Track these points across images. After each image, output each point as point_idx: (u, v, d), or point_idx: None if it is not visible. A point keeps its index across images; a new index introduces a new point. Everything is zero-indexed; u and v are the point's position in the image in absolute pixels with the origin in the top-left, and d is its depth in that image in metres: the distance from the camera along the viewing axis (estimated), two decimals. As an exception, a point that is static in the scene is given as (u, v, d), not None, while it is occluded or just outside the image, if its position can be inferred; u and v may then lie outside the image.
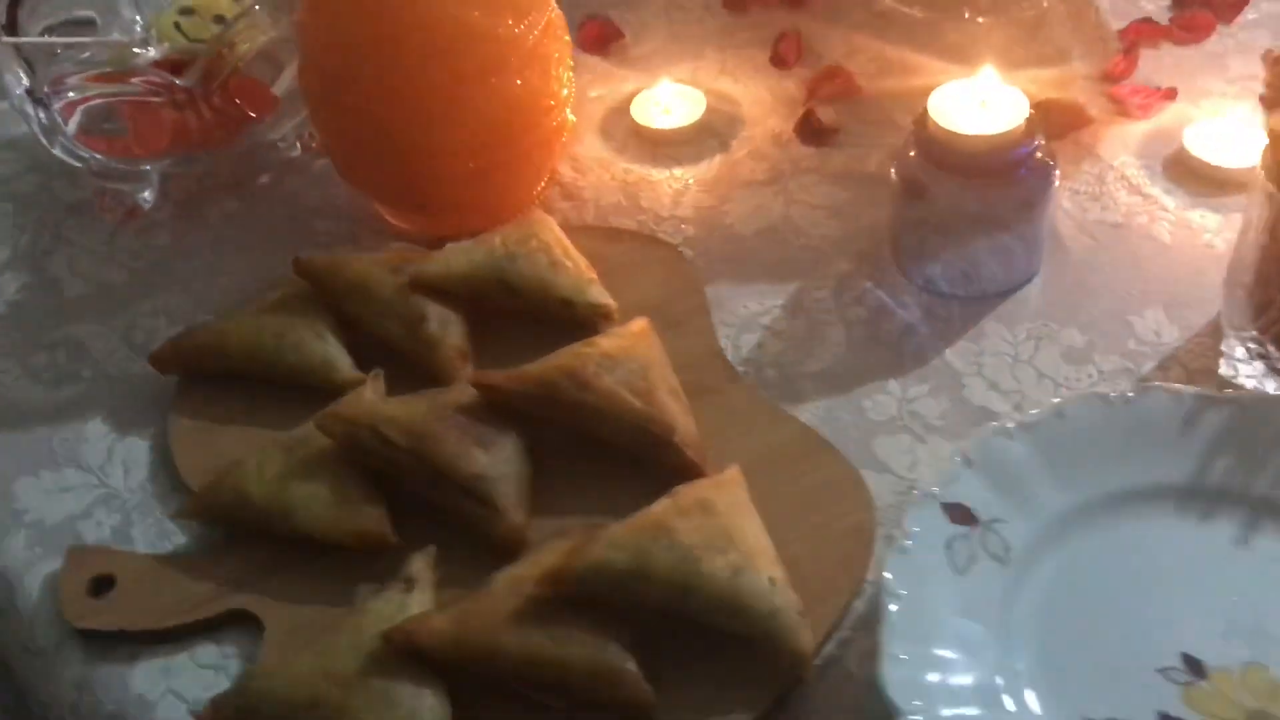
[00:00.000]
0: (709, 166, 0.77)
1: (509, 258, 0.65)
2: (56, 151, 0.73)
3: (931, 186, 0.65)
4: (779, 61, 0.83)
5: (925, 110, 0.64)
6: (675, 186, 0.76)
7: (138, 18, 0.81)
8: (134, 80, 0.71)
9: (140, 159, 0.74)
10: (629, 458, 0.59)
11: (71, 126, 0.72)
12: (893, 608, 0.45)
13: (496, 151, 0.68)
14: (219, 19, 0.78)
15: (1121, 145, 0.74)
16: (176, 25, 0.77)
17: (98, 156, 0.73)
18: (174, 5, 0.78)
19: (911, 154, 0.65)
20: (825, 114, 0.78)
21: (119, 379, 0.68)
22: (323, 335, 0.64)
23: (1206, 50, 0.81)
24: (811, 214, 0.73)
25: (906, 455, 0.60)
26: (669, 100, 0.79)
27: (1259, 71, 0.74)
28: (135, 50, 0.76)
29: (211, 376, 0.65)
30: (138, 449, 0.64)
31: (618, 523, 0.52)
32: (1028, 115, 0.62)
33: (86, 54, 0.77)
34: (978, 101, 0.63)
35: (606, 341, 0.60)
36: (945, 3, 0.87)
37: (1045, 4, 0.85)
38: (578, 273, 0.65)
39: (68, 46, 0.76)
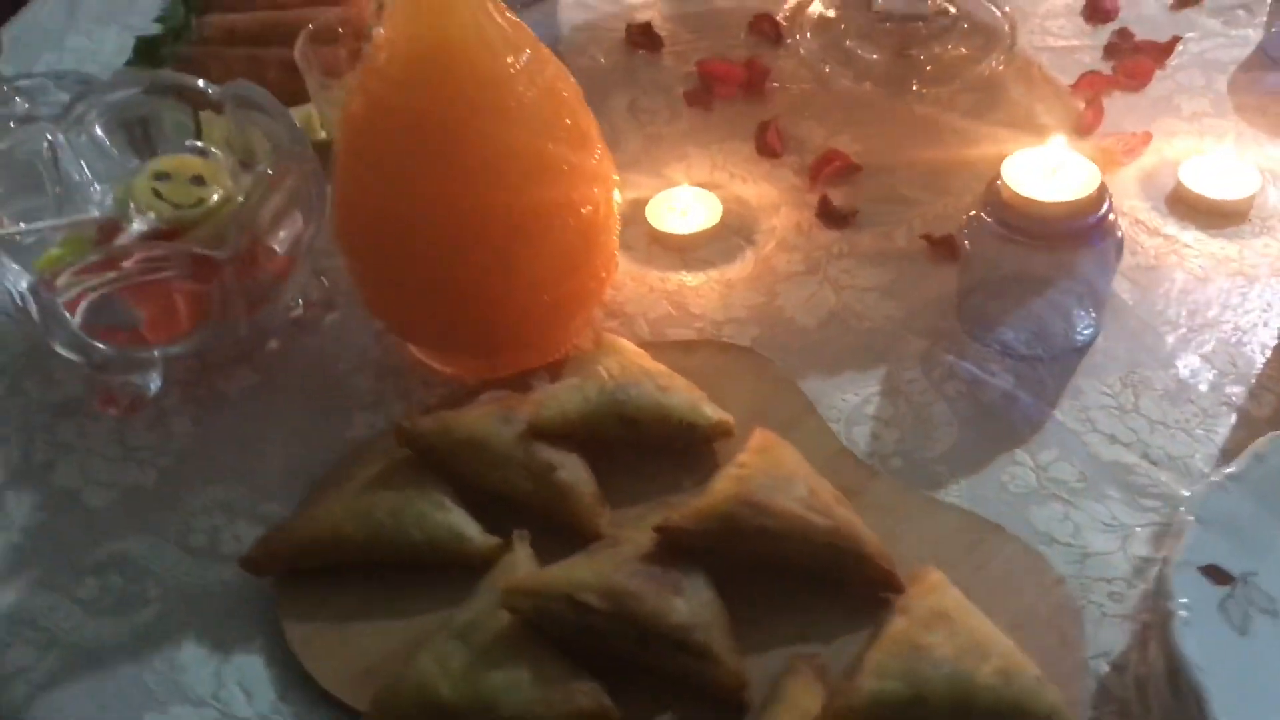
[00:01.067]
0: (744, 264, 0.76)
1: (620, 389, 0.62)
2: (59, 349, 0.64)
3: (1006, 252, 0.66)
4: (768, 151, 0.84)
5: (999, 178, 0.65)
6: (717, 289, 0.74)
7: (95, 186, 0.73)
8: (138, 260, 0.63)
9: (149, 345, 0.67)
10: (809, 575, 0.56)
11: (76, 319, 0.64)
12: (1207, 684, 0.44)
13: (569, 282, 0.65)
14: (197, 180, 0.71)
15: (1122, 192, 0.78)
16: (155, 192, 0.70)
17: (104, 348, 0.65)
18: (146, 171, 0.71)
19: (986, 220, 0.66)
20: (837, 198, 0.79)
21: (194, 592, 0.60)
22: (443, 504, 0.58)
23: (1152, 95, 0.86)
24: (864, 296, 0.73)
25: (1065, 523, 0.60)
26: (684, 204, 0.78)
27: (1209, 109, 0.81)
28: (124, 224, 0.68)
29: (315, 571, 0.58)
30: (251, 667, 0.57)
31: (870, 650, 0.50)
32: (1099, 181, 0.64)
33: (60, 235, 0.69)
34: (1048, 169, 0.65)
35: (753, 460, 0.58)
36: (892, 79, 0.90)
37: (987, 72, 0.90)
38: (688, 392, 0.63)
39: (52, 230, 0.68)
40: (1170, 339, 0.69)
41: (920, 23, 0.93)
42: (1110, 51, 0.90)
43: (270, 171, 0.66)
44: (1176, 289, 0.72)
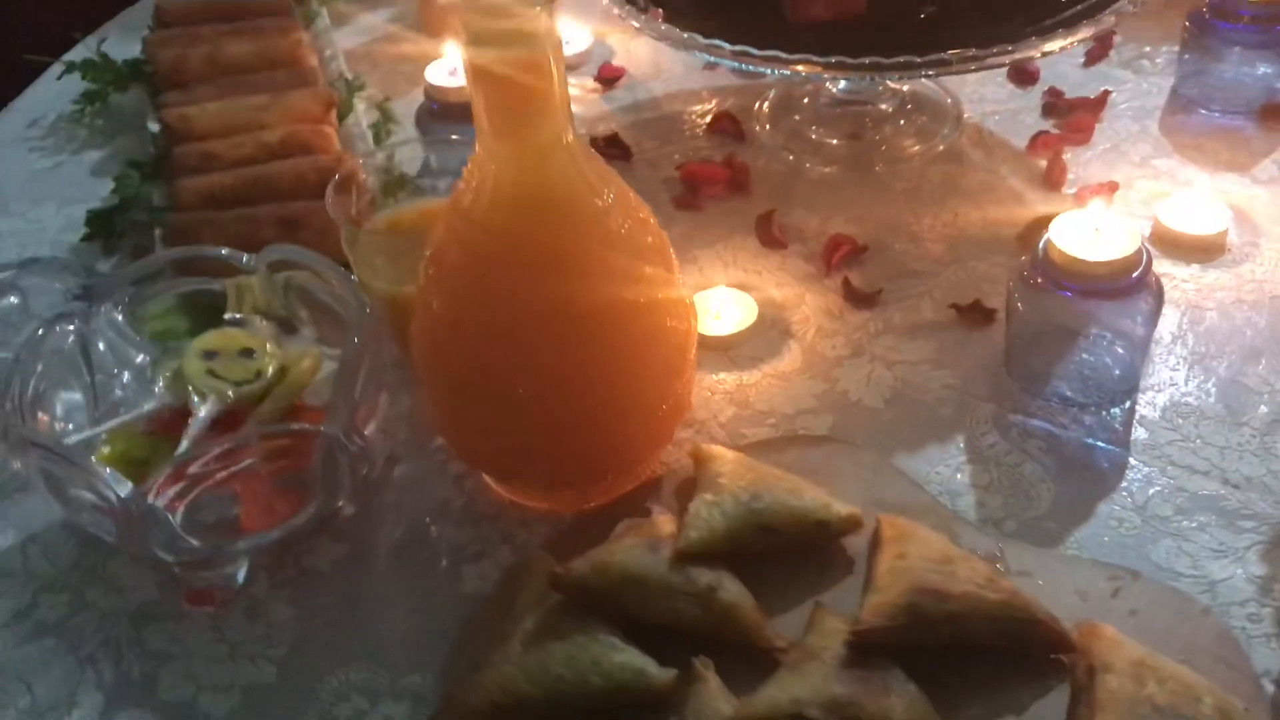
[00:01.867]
0: (791, 356, 0.78)
1: (754, 498, 0.62)
2: (159, 553, 0.60)
3: (1055, 308, 0.70)
4: (773, 244, 0.86)
5: (1047, 241, 0.69)
6: (775, 383, 0.76)
7: (124, 373, 0.70)
8: (255, 449, 0.60)
9: (246, 535, 0.63)
10: (984, 649, 0.58)
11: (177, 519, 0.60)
12: None
13: (667, 402, 0.66)
14: (246, 353, 0.69)
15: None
16: (210, 372, 0.67)
17: (198, 545, 0.61)
18: (193, 352, 0.68)
19: (1037, 280, 0.70)
20: (855, 279, 0.82)
21: (363, 786, 0.57)
22: (615, 645, 0.57)
23: (1098, 146, 0.94)
24: (917, 370, 0.76)
25: (1181, 556, 0.64)
26: (718, 304, 0.80)
27: (1152, 152, 0.88)
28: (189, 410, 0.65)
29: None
30: None
31: (1099, 715, 0.52)
32: (1140, 238, 0.69)
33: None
34: (1090, 229, 0.69)
35: (904, 548, 0.60)
36: (856, 161, 0.95)
37: (942, 145, 0.95)
38: (812, 491, 0.64)
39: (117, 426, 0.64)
40: (1205, 369, 0.74)
41: (869, 105, 0.98)
42: (1048, 110, 0.98)
43: (357, 339, 0.64)
44: (1188, 320, 0.78)
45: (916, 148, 0.95)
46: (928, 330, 0.79)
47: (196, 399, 0.67)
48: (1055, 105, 0.97)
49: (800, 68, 0.78)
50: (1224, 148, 0.92)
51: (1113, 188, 0.88)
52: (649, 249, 0.63)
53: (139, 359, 0.71)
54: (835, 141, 0.96)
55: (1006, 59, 0.78)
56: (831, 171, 0.94)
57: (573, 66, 1.08)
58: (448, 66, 0.90)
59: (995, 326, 0.78)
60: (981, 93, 1.00)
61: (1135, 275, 0.69)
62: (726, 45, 0.79)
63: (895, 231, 0.87)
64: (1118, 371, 0.73)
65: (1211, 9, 0.93)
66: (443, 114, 0.90)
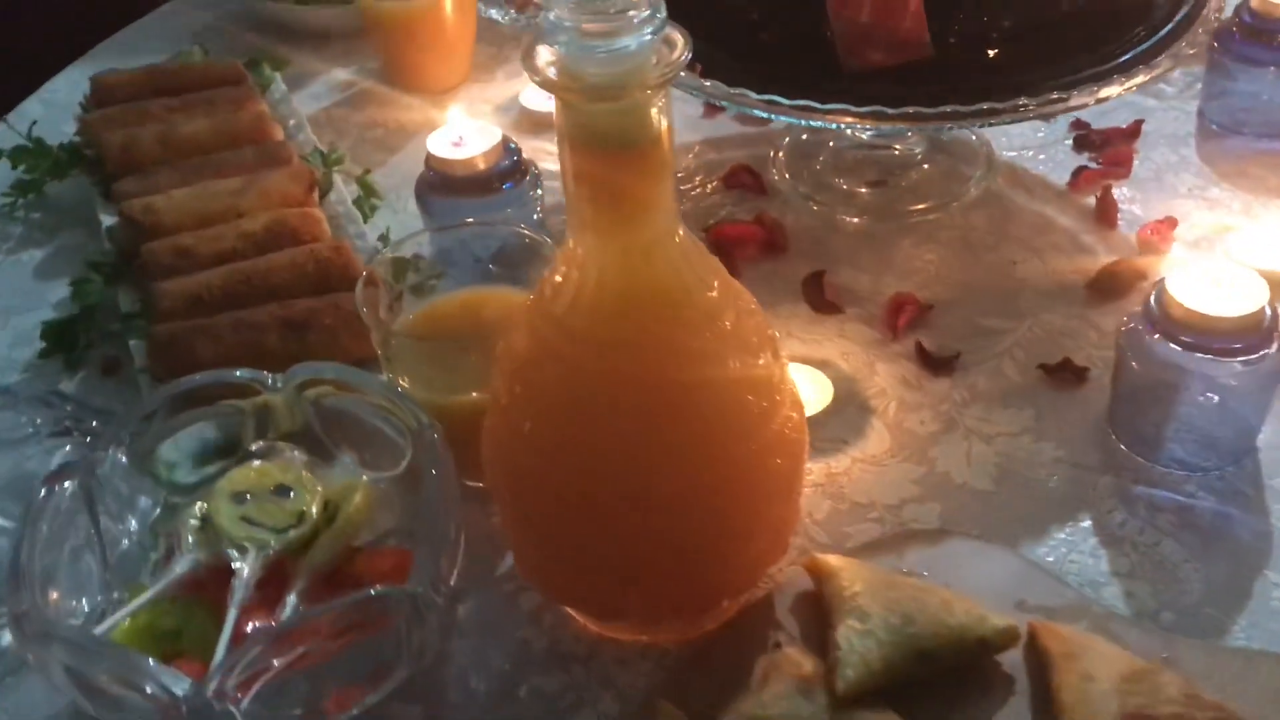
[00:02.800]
0: (878, 436, 0.70)
1: (907, 621, 0.54)
2: (223, 755, 0.50)
3: (1172, 366, 0.64)
4: (827, 308, 0.79)
5: (1164, 293, 0.63)
6: (867, 469, 0.69)
7: (130, 522, 0.59)
8: (323, 622, 0.51)
9: (327, 716, 0.53)
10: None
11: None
12: None
13: (783, 511, 0.58)
14: (281, 490, 0.59)
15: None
16: (246, 519, 0.57)
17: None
18: (221, 496, 0.58)
19: (1153, 336, 0.64)
20: (929, 343, 0.75)
21: None
22: (785, 815, 0.49)
23: (1139, 178, 0.89)
24: (1019, 442, 0.69)
25: (1362, 635, 0.58)
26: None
27: (1198, 180, 0.84)
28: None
29: None
30: None
31: None
32: (1266, 291, 0.63)
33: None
34: (1208, 279, 0.64)
35: (1093, 667, 0.53)
36: (886, 211, 0.88)
37: (974, 191, 0.89)
38: (962, 604, 0.56)
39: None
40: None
41: (895, 150, 0.92)
42: (1081, 144, 0.92)
43: (435, 471, 0.55)
44: (1293, 365, 0.73)
45: (952, 192, 0.89)
46: (1018, 395, 0.72)
47: (234, 553, 0.56)
48: (1087, 138, 0.92)
49: (868, 121, 0.72)
50: (1270, 173, 0.88)
51: (1172, 224, 0.83)
52: (760, 343, 0.55)
53: (150, 507, 0.61)
54: (864, 190, 0.90)
55: (1090, 98, 0.72)
56: (865, 222, 0.87)
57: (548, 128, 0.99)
58: (450, 136, 0.81)
59: (1089, 386, 0.72)
60: (1005, 129, 0.95)
61: (1264, 328, 0.64)
62: (785, 101, 0.72)
63: (954, 286, 0.80)
64: (1234, 429, 0.68)
65: (1242, 30, 0.89)
66: (445, 187, 0.81)
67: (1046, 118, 0.76)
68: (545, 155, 0.90)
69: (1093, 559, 0.63)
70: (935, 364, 0.74)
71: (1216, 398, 0.66)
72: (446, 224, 0.76)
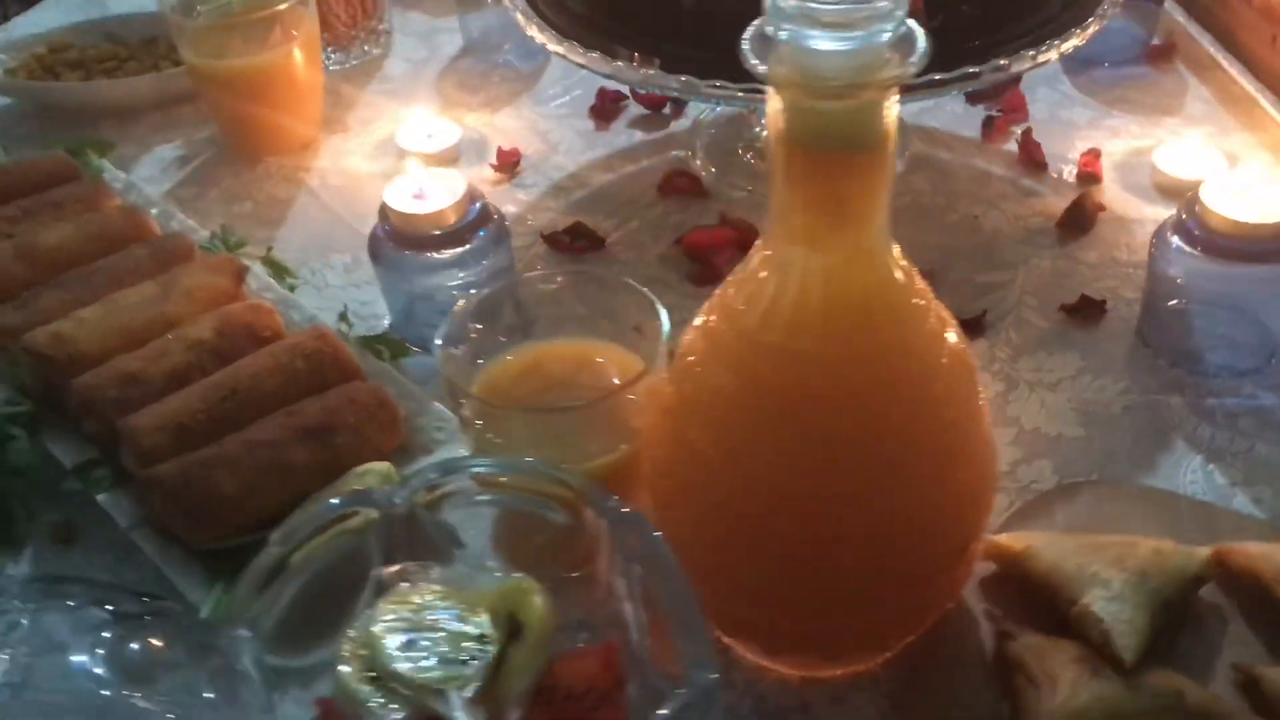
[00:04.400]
0: (951, 408, 0.69)
1: (1143, 578, 0.53)
2: None
3: (1204, 275, 0.67)
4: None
5: (1202, 206, 0.66)
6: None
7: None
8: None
9: None
10: None
11: None
12: None
13: (985, 522, 0.55)
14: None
15: (1122, 205, 0.84)
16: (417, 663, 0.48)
17: None
18: (377, 642, 0.49)
19: (1184, 246, 0.67)
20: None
21: None
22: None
23: (1038, 118, 0.93)
24: (1081, 382, 0.70)
25: None
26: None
27: (1096, 114, 0.89)
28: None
29: None
30: None
31: None
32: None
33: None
34: (1240, 190, 0.67)
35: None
36: None
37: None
38: (1161, 546, 0.56)
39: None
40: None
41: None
42: (973, 98, 0.95)
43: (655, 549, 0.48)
44: None
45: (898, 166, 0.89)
46: (1055, 340, 0.74)
47: (436, 703, 0.47)
48: (976, 91, 0.96)
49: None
50: (1146, 95, 0.95)
51: (1097, 154, 0.87)
52: (960, 351, 0.52)
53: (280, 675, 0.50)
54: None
55: (1028, 64, 0.74)
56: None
57: (450, 161, 0.92)
58: (408, 189, 0.72)
59: (1109, 317, 0.75)
60: (897, 93, 0.96)
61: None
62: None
63: (934, 250, 0.80)
64: (1267, 335, 0.71)
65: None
66: (411, 243, 0.72)
67: (994, 84, 0.78)
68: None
69: (1205, 475, 0.65)
70: (967, 326, 0.74)
71: (1255, 300, 0.70)
72: (534, 274, 0.68)
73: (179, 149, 0.96)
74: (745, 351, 0.48)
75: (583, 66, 0.79)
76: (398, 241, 0.73)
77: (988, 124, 0.92)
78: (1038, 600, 0.56)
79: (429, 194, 0.72)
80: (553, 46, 0.80)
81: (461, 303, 0.60)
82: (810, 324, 0.47)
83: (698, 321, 0.54)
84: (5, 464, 0.66)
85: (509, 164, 0.91)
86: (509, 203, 0.87)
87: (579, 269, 0.71)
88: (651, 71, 0.75)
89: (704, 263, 0.80)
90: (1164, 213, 0.81)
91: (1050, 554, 0.56)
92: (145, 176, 0.92)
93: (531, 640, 0.51)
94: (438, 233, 0.72)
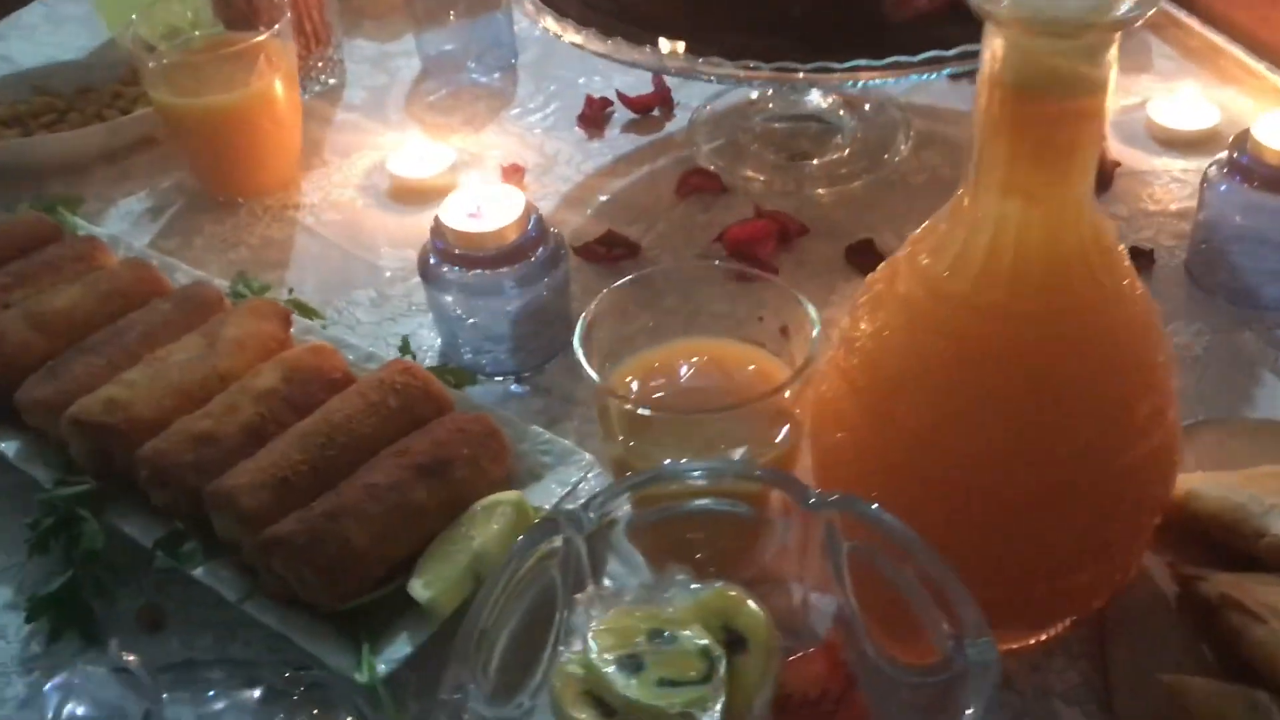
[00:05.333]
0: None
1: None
2: None
3: (1259, 210, 0.70)
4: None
5: (1255, 143, 0.68)
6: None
7: None
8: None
9: None
10: None
11: None
12: None
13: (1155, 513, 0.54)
14: (655, 636, 0.47)
15: (1129, 159, 0.86)
16: (663, 684, 0.45)
17: None
18: (604, 669, 0.45)
19: (1237, 181, 0.69)
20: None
21: None
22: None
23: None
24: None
25: None
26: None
27: None
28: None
29: None
30: None
31: None
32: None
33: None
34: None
35: None
36: (845, 177, 0.87)
37: (902, 137, 0.90)
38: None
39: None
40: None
41: (809, 121, 0.91)
42: (953, 71, 0.97)
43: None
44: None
45: (886, 143, 0.89)
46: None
47: (692, 728, 0.44)
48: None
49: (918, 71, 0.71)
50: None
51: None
52: (1148, 297, 0.51)
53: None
54: (812, 161, 0.88)
55: None
56: (834, 191, 0.85)
57: (450, 184, 0.88)
58: (464, 207, 0.68)
59: (1158, 265, 0.76)
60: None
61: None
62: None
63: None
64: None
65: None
66: (468, 263, 0.68)
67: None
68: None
69: (1312, 407, 0.67)
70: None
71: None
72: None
73: (145, 200, 0.89)
74: (959, 316, 0.47)
75: (604, 56, 0.77)
76: (454, 261, 0.69)
77: (980, 95, 0.93)
78: (1206, 541, 0.56)
79: (486, 211, 0.68)
80: (569, 37, 0.77)
81: (591, 307, 0.57)
82: (1031, 280, 0.46)
83: (865, 299, 0.52)
84: (78, 551, 0.59)
85: (515, 180, 0.88)
86: (526, 219, 0.84)
87: (705, 264, 0.67)
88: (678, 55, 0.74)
89: (747, 257, 0.79)
90: (1171, 164, 0.85)
91: (1213, 494, 0.56)
92: (118, 231, 0.85)
93: (758, 648, 0.48)
94: (497, 251, 0.68)
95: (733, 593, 0.50)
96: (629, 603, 0.49)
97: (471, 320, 0.71)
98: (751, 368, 0.59)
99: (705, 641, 0.47)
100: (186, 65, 0.83)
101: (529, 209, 0.69)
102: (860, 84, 0.75)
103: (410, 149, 0.90)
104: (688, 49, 0.75)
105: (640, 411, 0.54)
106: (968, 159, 0.47)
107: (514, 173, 0.88)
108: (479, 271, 0.68)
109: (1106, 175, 0.83)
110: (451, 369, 0.69)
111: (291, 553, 0.54)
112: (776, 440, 0.56)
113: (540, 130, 0.94)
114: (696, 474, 0.49)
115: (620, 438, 0.55)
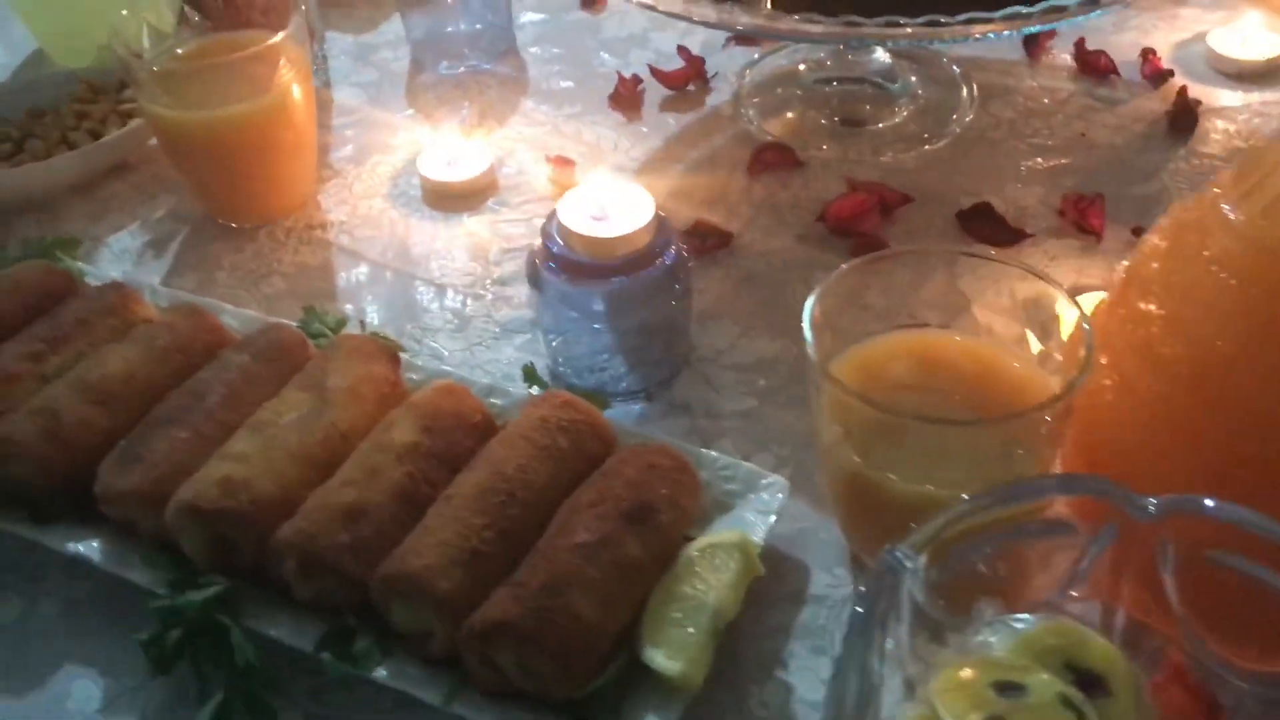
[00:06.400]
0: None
1: None
2: None
3: None
4: (1013, 236, 0.71)
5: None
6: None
7: None
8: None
9: None
10: None
11: None
12: None
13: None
14: (1007, 688, 0.41)
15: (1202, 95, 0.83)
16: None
17: None
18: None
19: None
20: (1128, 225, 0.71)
21: None
22: None
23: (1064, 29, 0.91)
24: None
25: None
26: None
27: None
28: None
29: None
30: None
31: None
32: None
33: None
34: None
35: None
36: (912, 142, 0.82)
37: (966, 95, 0.85)
38: None
39: None
40: None
41: (864, 83, 0.85)
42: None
43: None
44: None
45: (952, 104, 0.84)
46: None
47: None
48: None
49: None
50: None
51: (1153, 51, 0.86)
52: None
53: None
54: (877, 128, 0.82)
55: None
56: (909, 155, 0.80)
57: (489, 184, 0.79)
58: (587, 209, 0.60)
59: None
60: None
61: None
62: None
63: (1069, 172, 0.76)
64: None
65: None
66: (587, 271, 0.60)
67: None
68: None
69: None
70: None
71: None
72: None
73: (140, 233, 0.77)
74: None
75: (678, 16, 0.69)
76: (577, 271, 0.60)
77: (1030, 43, 0.88)
78: None
79: (612, 213, 0.60)
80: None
81: (819, 289, 0.50)
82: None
83: (1148, 268, 0.47)
84: (231, 668, 0.49)
85: (566, 174, 0.79)
86: (596, 215, 0.76)
87: (943, 248, 0.60)
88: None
89: (854, 234, 0.72)
90: (1247, 96, 0.82)
91: None
92: (121, 273, 0.73)
93: (1124, 688, 0.42)
94: (627, 257, 0.60)
95: (1071, 628, 0.44)
96: (949, 652, 0.43)
97: (590, 335, 0.62)
98: (997, 364, 0.52)
99: (1061, 689, 0.41)
100: (187, 73, 0.72)
101: (656, 211, 0.61)
102: (934, 41, 0.70)
103: (440, 149, 0.80)
104: (774, 5, 0.68)
105: (902, 420, 0.47)
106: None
107: (563, 165, 0.79)
108: (605, 280, 0.60)
109: (1191, 114, 0.80)
110: (586, 393, 0.60)
111: (519, 639, 0.46)
112: (1035, 449, 0.50)
113: (572, 116, 0.86)
114: (1025, 497, 0.43)
115: (840, 448, 0.49)
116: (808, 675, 0.51)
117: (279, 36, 0.71)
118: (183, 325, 0.61)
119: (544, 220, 0.62)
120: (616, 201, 0.61)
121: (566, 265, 0.61)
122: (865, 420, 0.48)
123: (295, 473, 0.53)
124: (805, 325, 0.49)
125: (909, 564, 0.42)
